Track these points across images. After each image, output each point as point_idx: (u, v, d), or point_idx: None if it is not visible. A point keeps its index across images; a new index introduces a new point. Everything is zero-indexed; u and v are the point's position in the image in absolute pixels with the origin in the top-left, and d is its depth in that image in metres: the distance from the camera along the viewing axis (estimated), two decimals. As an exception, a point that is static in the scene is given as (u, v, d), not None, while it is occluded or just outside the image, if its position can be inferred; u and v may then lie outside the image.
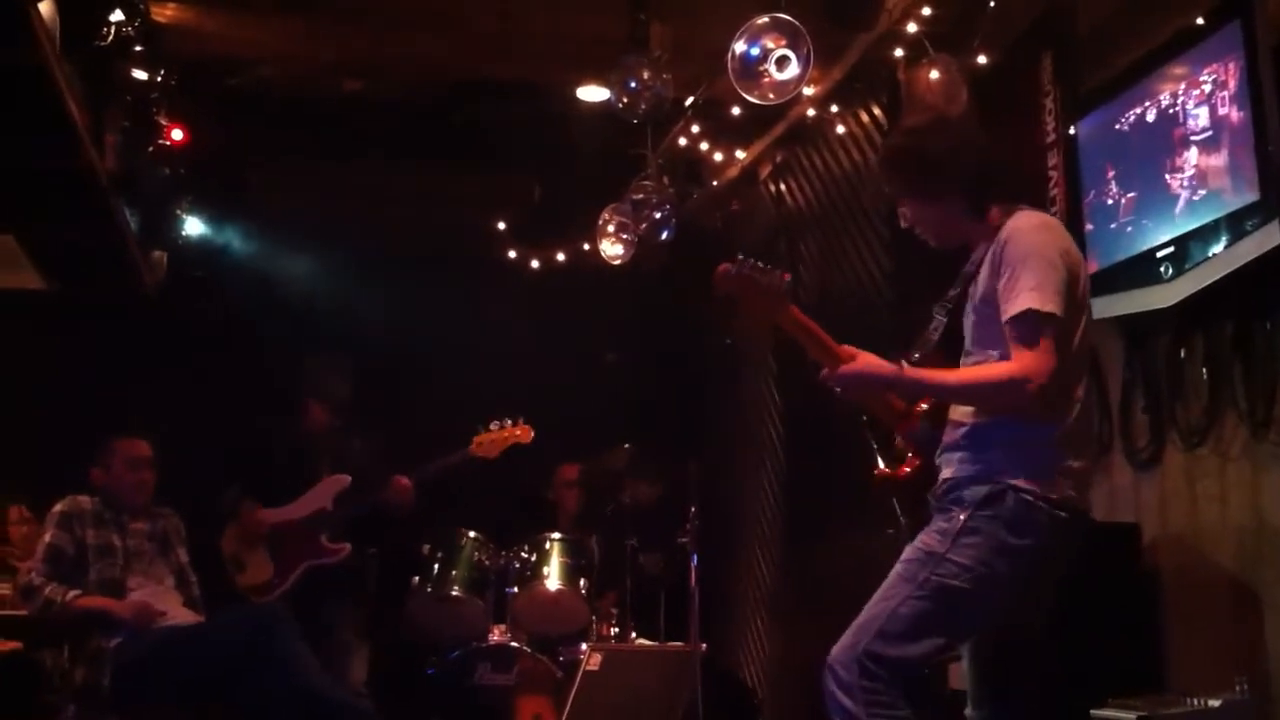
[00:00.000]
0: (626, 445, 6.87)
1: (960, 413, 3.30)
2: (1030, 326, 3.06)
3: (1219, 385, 4.30)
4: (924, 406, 3.46)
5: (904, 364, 3.28)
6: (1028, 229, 3.21)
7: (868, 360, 3.29)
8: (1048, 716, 3.66)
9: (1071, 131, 4.75)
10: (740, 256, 3.46)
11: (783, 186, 7.34)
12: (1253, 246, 3.82)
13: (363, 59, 6.69)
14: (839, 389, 3.34)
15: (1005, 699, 3.37)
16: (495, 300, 8.03)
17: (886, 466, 3.53)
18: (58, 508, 5.39)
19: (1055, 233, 3.26)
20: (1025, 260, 3.12)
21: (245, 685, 4.96)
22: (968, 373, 3.25)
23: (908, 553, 3.24)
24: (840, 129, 6.05)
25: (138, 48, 5.20)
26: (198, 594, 5.63)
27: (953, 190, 3.32)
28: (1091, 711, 4.03)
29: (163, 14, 5.60)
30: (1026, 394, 3.05)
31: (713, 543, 6.57)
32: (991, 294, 3.18)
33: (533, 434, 6.55)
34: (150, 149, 6.00)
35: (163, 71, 5.53)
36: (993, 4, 4.49)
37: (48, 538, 5.31)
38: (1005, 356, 3.13)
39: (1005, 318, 3.11)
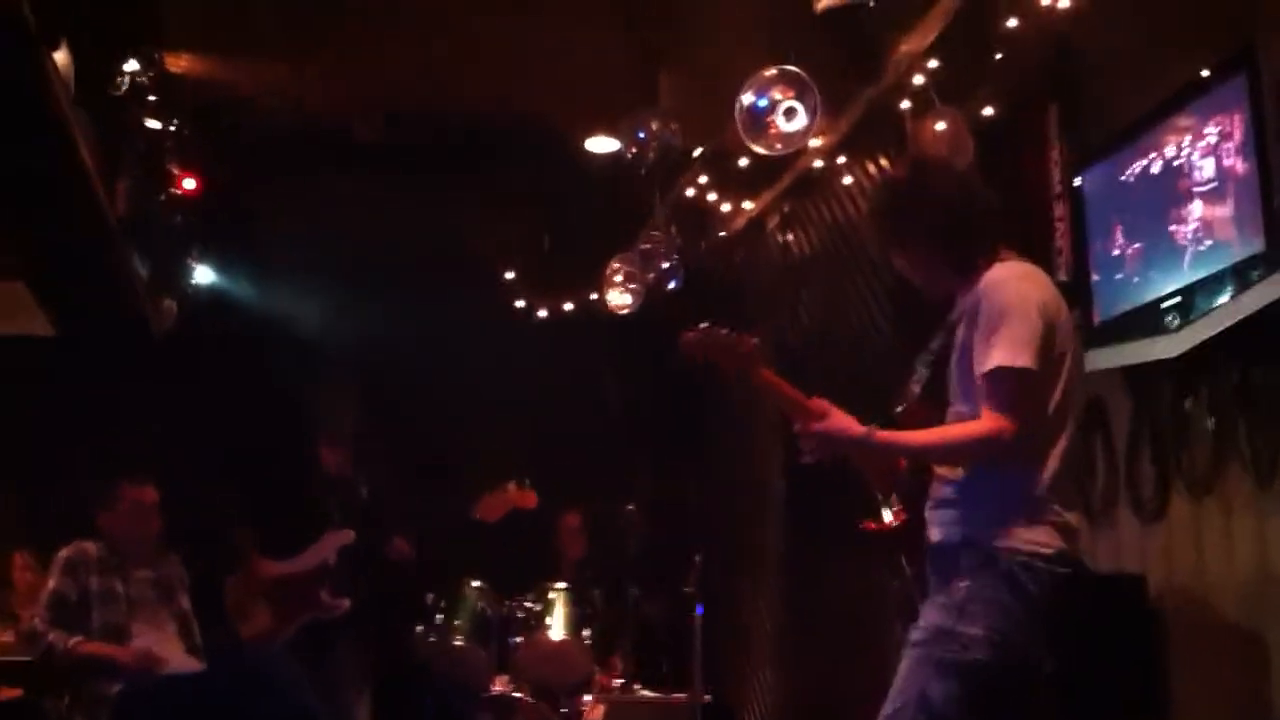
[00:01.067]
0: (631, 506, 6.88)
1: (945, 467, 3.29)
2: (1001, 383, 3.04)
3: (1224, 435, 4.28)
4: (903, 462, 3.47)
5: (873, 428, 3.25)
6: (1005, 280, 3.19)
7: (837, 419, 3.25)
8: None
9: (1077, 183, 4.78)
10: (703, 324, 3.49)
11: (790, 236, 7.38)
12: (1258, 297, 3.82)
13: (376, 106, 6.75)
14: (808, 445, 3.32)
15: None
16: (503, 344, 8.05)
17: (876, 518, 3.54)
18: (63, 554, 5.40)
19: (1034, 283, 3.22)
20: (1001, 313, 3.09)
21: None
22: (937, 433, 3.22)
23: (915, 634, 3.19)
24: (847, 179, 6.08)
25: (151, 97, 5.25)
26: (199, 642, 5.62)
27: (931, 244, 3.33)
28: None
29: (178, 64, 5.67)
30: (997, 450, 3.04)
31: (717, 590, 6.56)
32: (970, 345, 3.16)
33: (536, 500, 6.57)
34: (162, 197, 6.04)
35: (176, 120, 5.58)
36: (999, 57, 4.52)
37: (52, 584, 5.32)
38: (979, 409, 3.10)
39: (978, 373, 3.09)
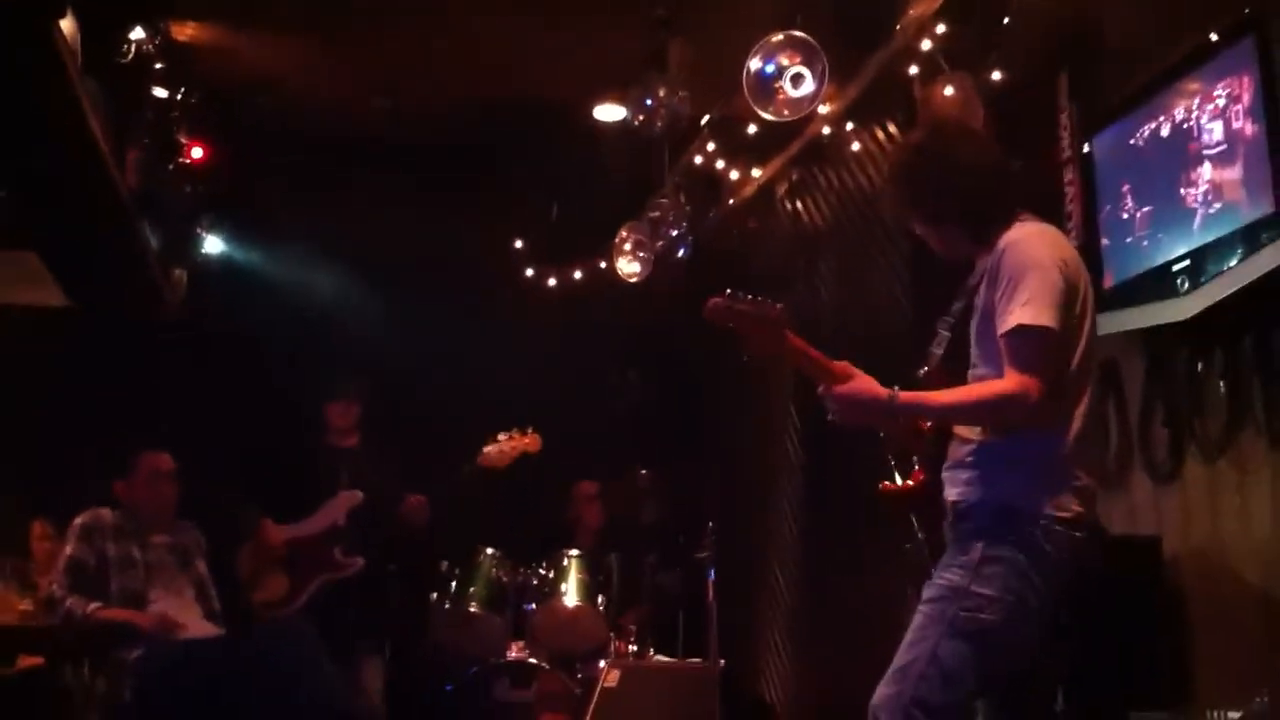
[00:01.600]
0: (643, 470, 6.88)
1: (965, 429, 3.29)
2: (1024, 342, 3.03)
3: (1238, 398, 4.28)
4: (928, 424, 3.46)
5: (896, 390, 3.25)
6: (1025, 240, 3.18)
7: (861, 382, 3.25)
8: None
9: (1087, 148, 4.76)
10: (730, 290, 3.41)
11: (799, 204, 7.36)
12: (1269, 258, 3.81)
13: (382, 78, 6.74)
14: (831, 406, 3.32)
15: (1025, 709, 3.35)
16: (513, 317, 8.06)
17: (895, 481, 3.54)
18: (79, 521, 5.44)
19: (1053, 242, 3.22)
20: (1021, 273, 3.09)
21: (265, 698, 4.98)
22: (961, 393, 3.21)
23: (929, 590, 3.20)
24: (856, 146, 6.06)
25: (158, 65, 5.24)
26: (217, 607, 5.66)
27: (949, 209, 3.32)
28: (1112, 724, 4.03)
29: (183, 33, 5.66)
30: (1022, 411, 3.02)
31: (731, 560, 6.58)
32: (991, 307, 3.16)
33: (541, 442, 6.55)
34: (171, 167, 6.04)
35: (183, 89, 5.58)
36: (1008, 21, 4.50)
37: (69, 550, 5.35)
38: (1001, 369, 3.10)
39: (999, 333, 3.08)
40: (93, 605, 5.20)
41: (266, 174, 7.44)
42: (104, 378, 7.25)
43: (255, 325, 7.64)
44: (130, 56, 5.04)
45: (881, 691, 3.14)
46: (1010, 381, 3.04)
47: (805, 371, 3.45)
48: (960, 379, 3.31)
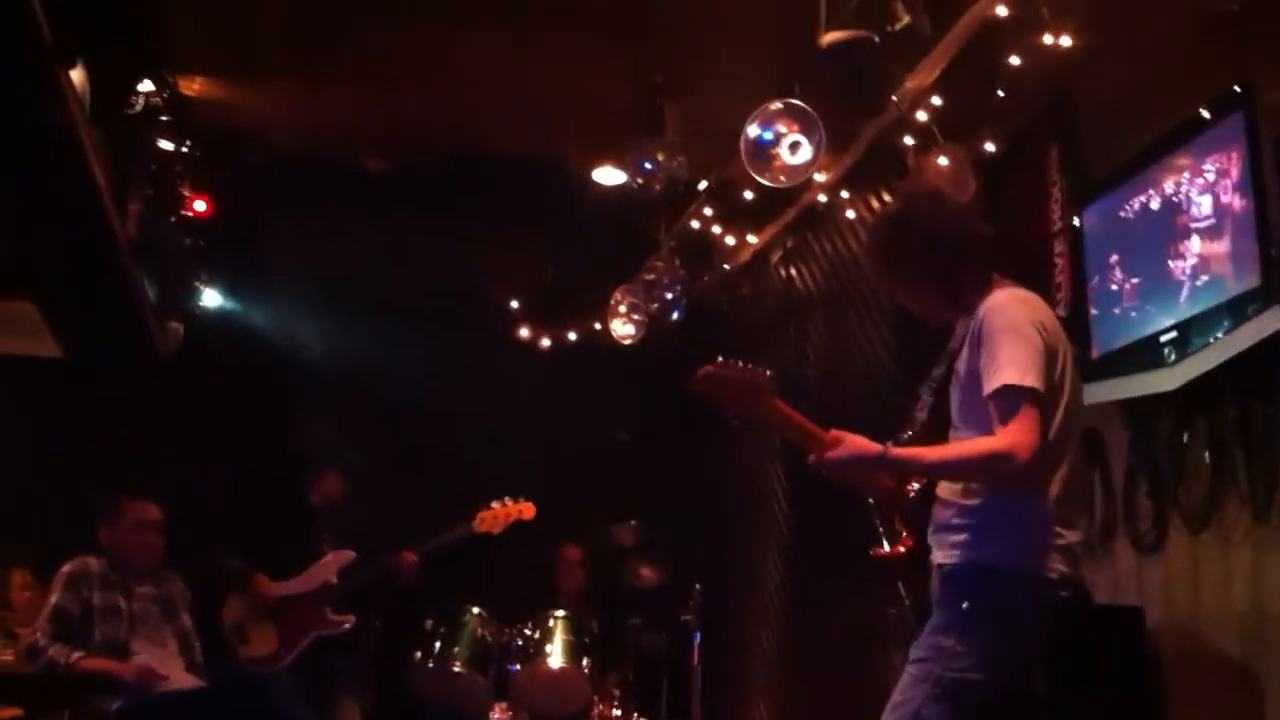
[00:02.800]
0: (633, 522, 6.90)
1: (949, 491, 3.31)
2: (1011, 401, 3.07)
3: (1221, 469, 4.31)
4: (915, 486, 3.49)
5: (889, 445, 3.29)
6: (1004, 305, 3.25)
7: (853, 443, 3.28)
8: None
9: (1077, 220, 4.84)
10: (720, 359, 3.48)
11: (793, 271, 7.42)
12: (1254, 331, 3.86)
13: (383, 134, 6.81)
14: (825, 473, 3.35)
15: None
16: (507, 375, 8.08)
17: (884, 546, 3.56)
18: (66, 569, 5.43)
19: (1032, 307, 3.28)
20: (1003, 336, 3.14)
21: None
22: (952, 449, 3.26)
23: (916, 651, 3.23)
24: (851, 214, 6.13)
25: (165, 117, 5.30)
26: (200, 659, 5.64)
27: (923, 275, 3.39)
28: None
29: (190, 87, 5.73)
30: (1011, 468, 3.05)
31: (717, 621, 6.58)
32: (973, 371, 3.21)
33: (535, 511, 6.59)
34: (172, 219, 6.09)
35: (188, 142, 5.63)
36: (1001, 95, 4.58)
37: (54, 599, 5.34)
38: (986, 431, 3.14)
39: (985, 393, 3.13)
40: (75, 655, 5.19)
41: (266, 226, 7.49)
42: (93, 427, 7.25)
43: (250, 378, 7.66)
44: (138, 108, 5.10)
45: None
46: (1000, 439, 3.08)
47: (793, 439, 3.49)
48: (943, 441, 3.36)
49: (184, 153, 5.64)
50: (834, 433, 3.35)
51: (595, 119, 6.28)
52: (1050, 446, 3.15)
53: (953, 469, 3.26)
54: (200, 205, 6.23)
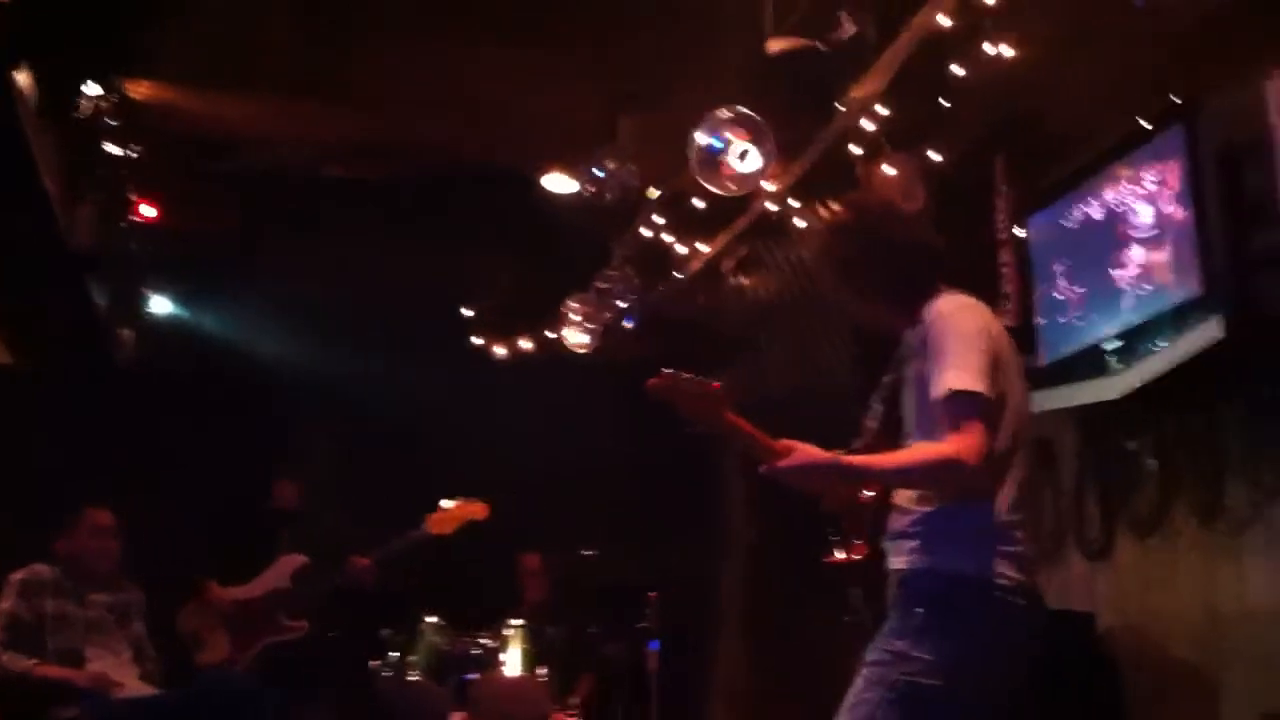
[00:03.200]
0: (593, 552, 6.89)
1: (905, 498, 3.32)
2: (958, 406, 3.05)
3: (1168, 476, 4.37)
4: (870, 494, 3.51)
5: (838, 454, 3.29)
6: (951, 312, 3.24)
7: (803, 452, 3.22)
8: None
9: (1022, 230, 4.88)
10: (667, 370, 3.39)
11: (746, 279, 7.43)
12: (1197, 339, 3.92)
13: (334, 142, 6.79)
14: (779, 482, 3.35)
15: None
16: (465, 386, 8.06)
17: (838, 553, 3.57)
18: (17, 576, 5.37)
19: (979, 313, 3.27)
20: (950, 341, 3.13)
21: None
22: (901, 456, 3.23)
23: (871, 654, 3.19)
24: (802, 223, 6.15)
25: (112, 122, 5.25)
26: (155, 668, 5.60)
27: (871, 284, 3.41)
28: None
29: (138, 90, 5.67)
30: (960, 473, 3.02)
31: (676, 632, 6.58)
32: (921, 377, 3.20)
33: (487, 511, 6.53)
34: (122, 224, 6.03)
35: (137, 148, 5.58)
36: (948, 105, 4.61)
37: (6, 606, 5.27)
38: (938, 437, 3.12)
39: (933, 398, 3.11)
40: (30, 662, 5.13)
41: (216, 233, 7.44)
42: (45, 436, 7.19)
43: (202, 384, 7.61)
44: (85, 112, 5.05)
45: None
46: (947, 445, 3.05)
47: (746, 448, 3.48)
48: (896, 449, 3.37)
49: (133, 158, 5.57)
50: (784, 442, 3.34)
51: (550, 131, 6.27)
52: (1001, 453, 3.16)
53: (902, 475, 3.23)
54: (149, 211, 6.16)
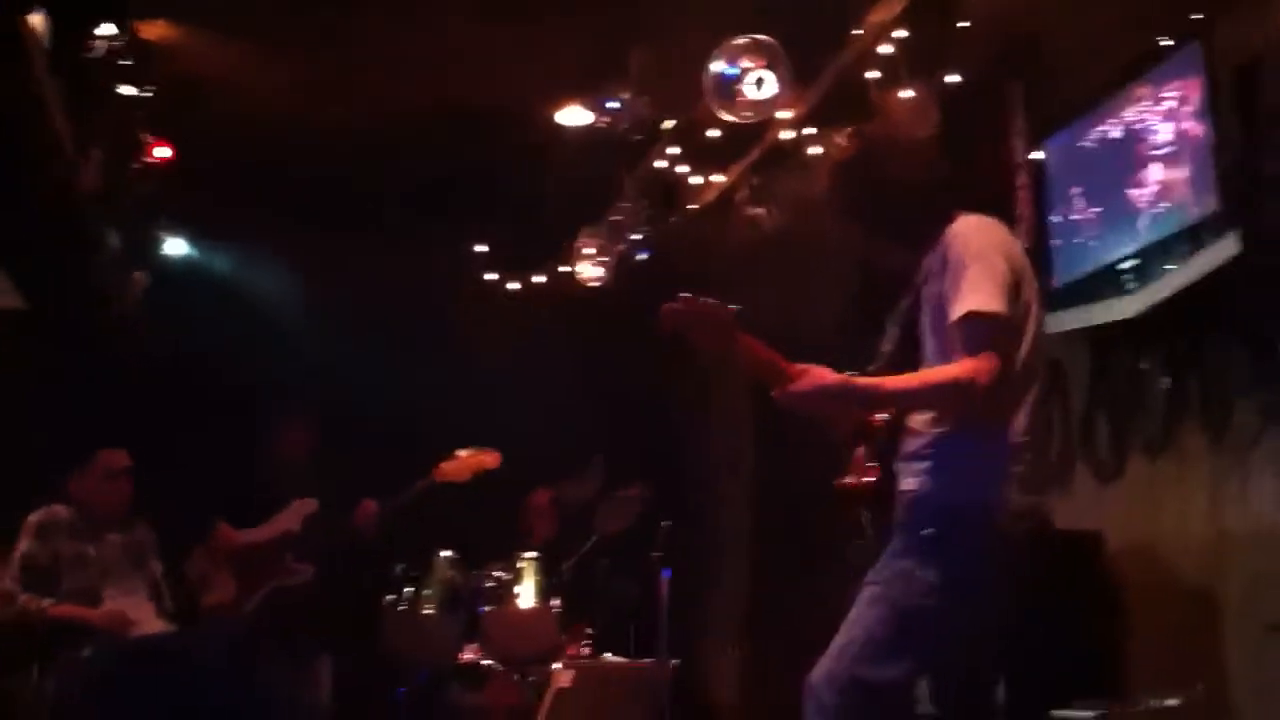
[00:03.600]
0: (599, 457, 6.92)
1: (918, 422, 3.31)
2: (975, 328, 3.06)
3: (1178, 396, 4.40)
4: (882, 417, 3.53)
5: (850, 374, 3.23)
6: (969, 231, 3.23)
7: (815, 375, 3.21)
8: (1008, 717, 3.74)
9: (1039, 152, 4.89)
10: (684, 294, 3.42)
11: (758, 210, 7.43)
12: (1212, 257, 3.94)
13: (340, 83, 6.77)
14: (790, 406, 3.35)
15: (965, 695, 3.39)
16: (471, 326, 8.08)
17: (850, 477, 3.60)
18: (33, 518, 5.41)
19: (997, 233, 3.27)
20: (967, 262, 3.13)
21: (216, 697, 4.99)
22: (914, 378, 3.22)
23: (875, 573, 3.24)
24: (816, 150, 6.14)
25: (124, 62, 5.23)
26: (171, 606, 5.65)
27: (880, 224, 3.41)
28: (1052, 712, 4.10)
29: (150, 31, 5.64)
30: (974, 395, 3.03)
31: (686, 562, 6.62)
32: (939, 299, 3.20)
33: (500, 459, 6.59)
34: (134, 166, 6.02)
35: (150, 88, 5.55)
36: (963, 26, 4.61)
37: (23, 547, 5.33)
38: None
39: (950, 320, 3.12)
40: (46, 602, 5.18)
41: (224, 177, 7.42)
42: (56, 380, 7.19)
43: (214, 327, 7.62)
44: (97, 53, 5.02)
45: (820, 667, 3.18)
46: (961, 366, 3.06)
47: (759, 373, 3.47)
48: (911, 372, 3.38)
49: (145, 99, 5.55)
50: (797, 366, 3.35)
51: (559, 61, 6.25)
52: (1015, 374, 3.17)
53: (915, 397, 3.24)
54: (162, 152, 6.14)
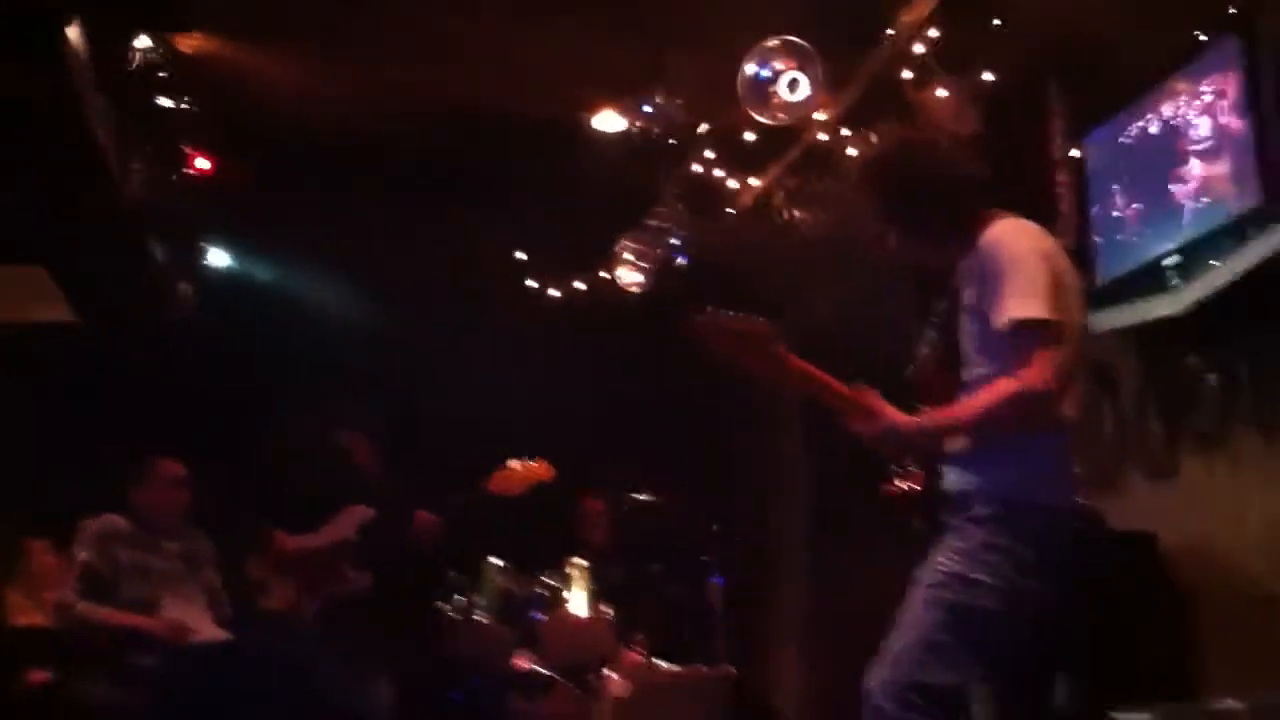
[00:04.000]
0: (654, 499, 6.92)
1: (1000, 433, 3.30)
2: (1025, 336, 3.04)
3: (1230, 392, 4.33)
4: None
5: (925, 416, 3.23)
6: (1006, 236, 3.20)
7: (884, 414, 3.21)
8: (1068, 718, 3.70)
9: (1077, 150, 4.84)
10: (709, 308, 3.28)
11: (798, 213, 7.39)
12: (1257, 250, 3.88)
13: (383, 94, 6.80)
14: (869, 446, 3.31)
15: (1024, 699, 3.37)
16: (520, 334, 8.10)
17: (898, 482, 3.57)
18: (93, 528, 5.45)
19: (1032, 235, 3.24)
20: (1009, 268, 3.10)
21: (277, 703, 5.02)
22: (980, 401, 3.16)
23: (929, 576, 3.21)
24: (853, 152, 6.11)
25: (163, 74, 5.27)
26: (229, 614, 5.70)
27: (917, 222, 3.37)
28: (1111, 714, 4.05)
29: (187, 44, 5.69)
30: (1039, 403, 3.03)
31: (739, 568, 6.61)
32: (978, 303, 3.18)
33: (553, 472, 6.58)
34: (175, 178, 6.07)
35: (188, 100, 5.61)
36: (999, 24, 4.57)
37: (84, 556, 5.36)
38: (1004, 366, 3.09)
39: (997, 327, 3.09)
40: (105, 610, 5.23)
41: (270, 187, 7.48)
42: (108, 392, 7.26)
43: (262, 338, 7.69)
44: (136, 65, 5.07)
45: (877, 674, 3.16)
46: (1021, 380, 3.03)
47: (814, 396, 3.34)
48: (949, 377, 3.34)
49: (184, 111, 5.60)
50: (857, 391, 3.26)
51: (596, 69, 6.25)
52: (1062, 375, 3.15)
53: (986, 420, 3.16)
54: (203, 164, 6.19)
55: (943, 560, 3.21)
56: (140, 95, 5.36)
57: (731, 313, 3.29)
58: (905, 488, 3.56)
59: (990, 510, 3.17)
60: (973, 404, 3.18)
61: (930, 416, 3.25)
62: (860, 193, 3.55)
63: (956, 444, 3.30)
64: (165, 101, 5.42)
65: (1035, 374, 3.02)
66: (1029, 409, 3.05)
